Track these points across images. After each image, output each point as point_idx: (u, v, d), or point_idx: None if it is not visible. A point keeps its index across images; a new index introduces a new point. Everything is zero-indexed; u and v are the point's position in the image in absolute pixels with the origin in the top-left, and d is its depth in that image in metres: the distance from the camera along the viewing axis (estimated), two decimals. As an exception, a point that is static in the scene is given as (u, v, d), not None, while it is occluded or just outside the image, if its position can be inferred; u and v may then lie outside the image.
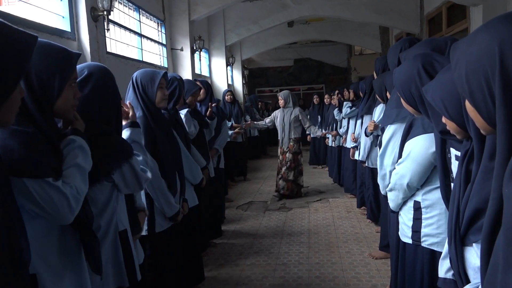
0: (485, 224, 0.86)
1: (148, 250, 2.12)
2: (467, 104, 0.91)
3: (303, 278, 3.35)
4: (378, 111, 3.58)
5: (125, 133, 1.91)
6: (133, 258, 1.75)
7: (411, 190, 1.96)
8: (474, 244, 1.17)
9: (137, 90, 2.28)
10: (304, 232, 4.52)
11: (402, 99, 1.77)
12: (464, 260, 1.22)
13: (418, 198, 1.95)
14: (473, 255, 1.19)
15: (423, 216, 1.93)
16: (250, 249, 4.07)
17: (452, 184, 1.49)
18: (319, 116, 8.25)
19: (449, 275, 1.37)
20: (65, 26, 3.95)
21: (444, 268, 1.40)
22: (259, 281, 3.33)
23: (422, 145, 1.84)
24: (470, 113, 0.92)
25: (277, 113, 6.03)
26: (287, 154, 5.91)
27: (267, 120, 6.14)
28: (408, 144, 1.92)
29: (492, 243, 0.81)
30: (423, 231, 1.91)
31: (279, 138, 6.04)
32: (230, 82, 10.81)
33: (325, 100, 7.85)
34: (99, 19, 4.24)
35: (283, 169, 5.94)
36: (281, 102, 5.89)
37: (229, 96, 6.56)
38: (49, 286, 1.26)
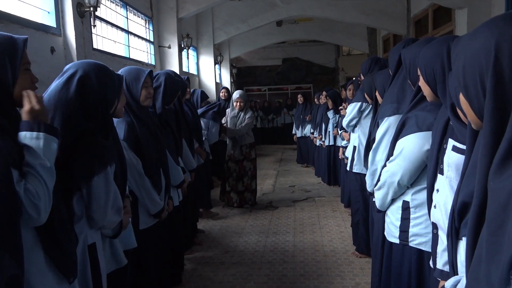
0: (470, 216, 0.87)
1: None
2: (461, 97, 0.93)
3: (287, 276, 3.36)
4: (351, 108, 3.67)
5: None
6: (100, 272, 1.68)
7: (401, 189, 1.94)
8: (463, 237, 1.18)
9: None
10: (290, 230, 4.54)
11: (421, 78, 1.70)
12: (457, 253, 1.23)
13: (407, 197, 1.93)
14: (462, 249, 1.20)
15: (411, 216, 1.91)
16: (235, 247, 4.07)
17: (439, 175, 1.51)
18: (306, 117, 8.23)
19: (447, 268, 1.38)
20: (51, 21, 3.90)
21: (443, 260, 1.42)
22: (244, 279, 3.33)
23: (415, 143, 1.82)
24: (463, 106, 0.93)
25: (228, 115, 5.39)
26: (245, 163, 5.41)
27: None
28: (400, 142, 1.89)
29: (477, 235, 0.82)
30: (411, 230, 1.89)
31: (227, 142, 5.50)
32: (218, 81, 10.78)
33: (315, 100, 7.91)
34: (85, 15, 4.20)
35: (245, 179, 5.44)
36: (241, 104, 5.28)
37: (224, 94, 6.55)
38: (33, 281, 1.26)
